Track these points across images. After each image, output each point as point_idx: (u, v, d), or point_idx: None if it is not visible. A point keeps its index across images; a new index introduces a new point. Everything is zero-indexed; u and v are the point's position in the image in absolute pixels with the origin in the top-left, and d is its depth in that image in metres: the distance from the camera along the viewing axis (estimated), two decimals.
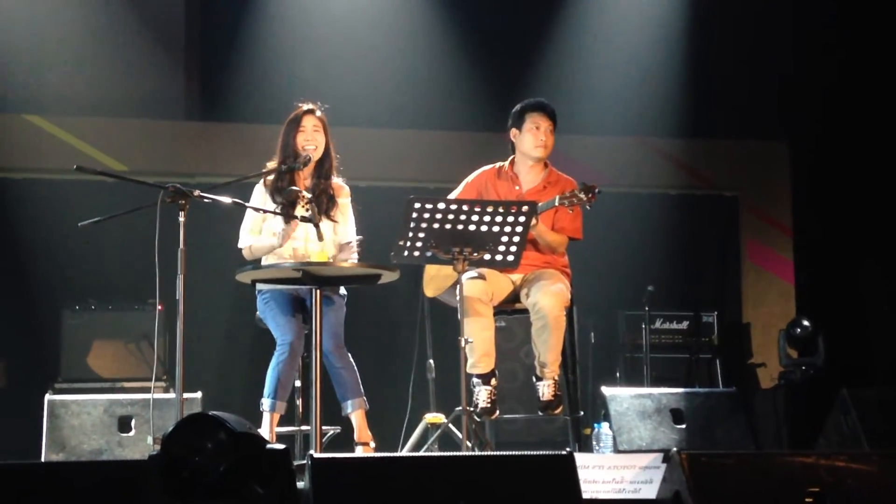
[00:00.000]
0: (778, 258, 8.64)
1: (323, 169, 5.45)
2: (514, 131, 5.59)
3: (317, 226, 5.07)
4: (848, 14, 8.01)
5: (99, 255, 7.24)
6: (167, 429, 3.58)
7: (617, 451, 5.45)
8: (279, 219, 5.31)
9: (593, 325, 7.64)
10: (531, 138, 5.54)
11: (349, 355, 5.28)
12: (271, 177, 5.39)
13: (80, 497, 3.49)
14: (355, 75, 7.86)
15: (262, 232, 5.39)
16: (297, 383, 5.34)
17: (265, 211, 5.25)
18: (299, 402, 5.40)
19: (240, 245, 5.44)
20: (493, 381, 5.32)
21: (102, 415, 5.38)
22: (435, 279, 5.58)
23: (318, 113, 5.47)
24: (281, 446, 3.65)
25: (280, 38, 7.89)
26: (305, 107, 5.46)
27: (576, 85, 8.11)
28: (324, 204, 5.39)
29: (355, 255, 5.47)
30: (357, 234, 5.52)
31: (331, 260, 5.25)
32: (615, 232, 7.89)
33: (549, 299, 5.28)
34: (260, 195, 5.45)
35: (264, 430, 5.08)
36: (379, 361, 6.77)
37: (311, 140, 5.40)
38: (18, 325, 7.30)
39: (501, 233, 4.94)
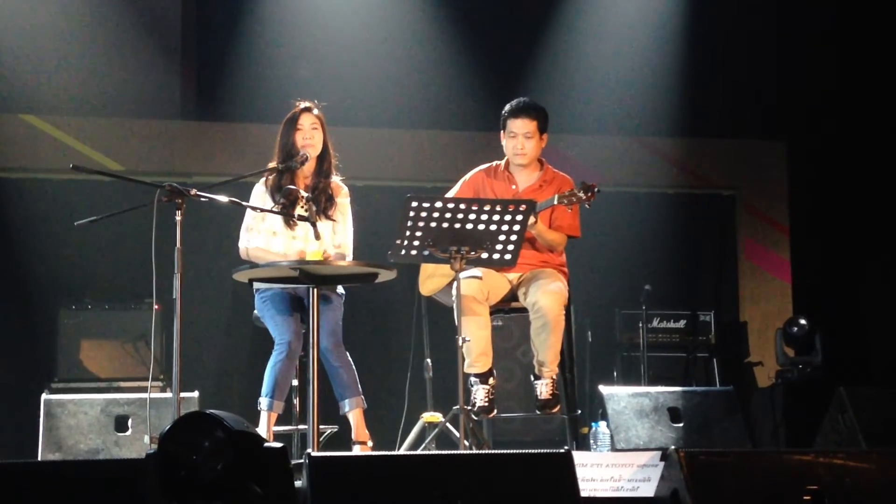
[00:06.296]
0: (775, 257, 8.63)
1: (322, 168, 5.45)
2: (502, 134, 5.59)
3: (314, 225, 5.06)
4: (845, 12, 8.01)
5: (96, 254, 7.23)
6: (164, 428, 3.56)
7: (614, 449, 5.44)
8: (278, 218, 5.31)
9: (590, 323, 7.63)
10: (509, 146, 5.53)
11: (347, 354, 5.27)
12: (272, 176, 5.39)
13: (77, 496, 3.47)
14: (352, 75, 7.84)
15: (261, 232, 5.38)
16: (295, 382, 5.33)
17: (262, 210, 5.24)
18: (297, 401, 5.40)
19: (240, 245, 5.43)
20: (491, 381, 5.32)
21: (99, 414, 5.37)
22: (431, 278, 5.57)
23: (316, 111, 5.47)
24: (278, 445, 3.64)
25: (276, 38, 7.86)
26: (302, 105, 5.46)
27: (573, 84, 8.10)
28: (322, 203, 5.38)
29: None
30: (354, 234, 5.50)
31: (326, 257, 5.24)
32: (612, 231, 7.89)
33: (548, 298, 5.27)
34: (260, 195, 5.44)
35: (262, 430, 5.07)
36: (376, 360, 6.77)
37: (309, 138, 5.40)
38: (15, 324, 7.27)
39: (499, 231, 4.92)
